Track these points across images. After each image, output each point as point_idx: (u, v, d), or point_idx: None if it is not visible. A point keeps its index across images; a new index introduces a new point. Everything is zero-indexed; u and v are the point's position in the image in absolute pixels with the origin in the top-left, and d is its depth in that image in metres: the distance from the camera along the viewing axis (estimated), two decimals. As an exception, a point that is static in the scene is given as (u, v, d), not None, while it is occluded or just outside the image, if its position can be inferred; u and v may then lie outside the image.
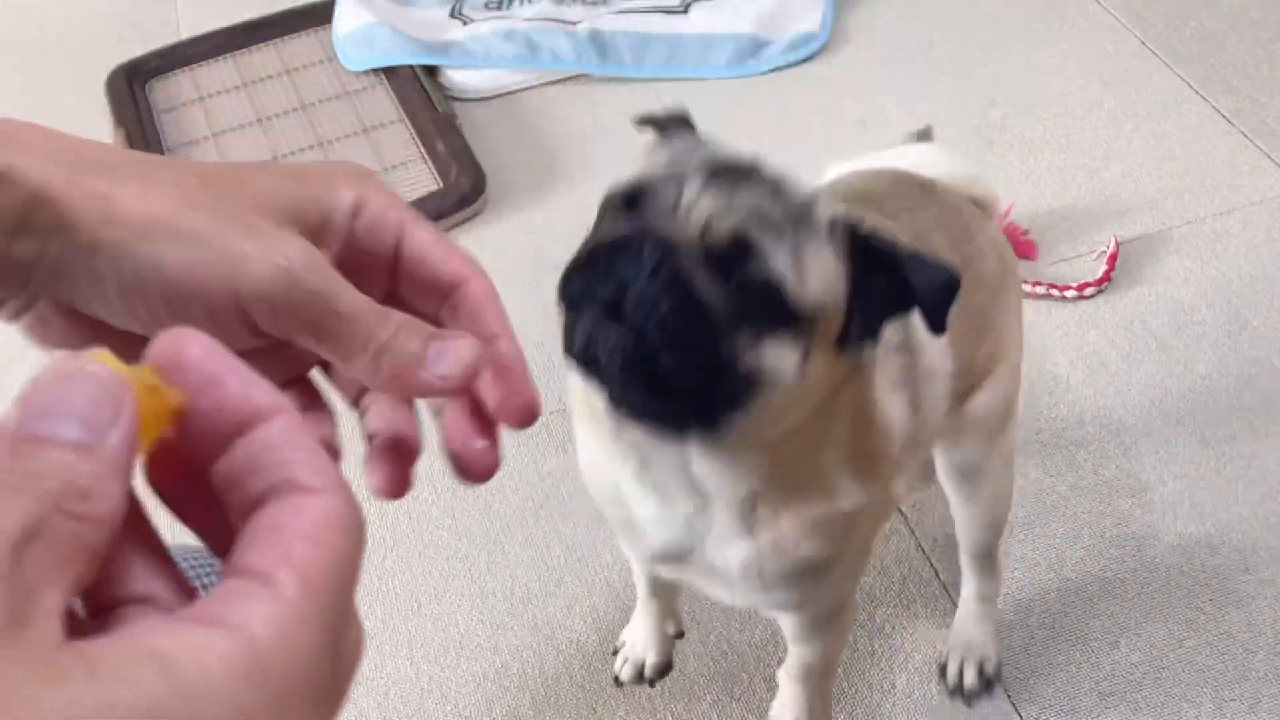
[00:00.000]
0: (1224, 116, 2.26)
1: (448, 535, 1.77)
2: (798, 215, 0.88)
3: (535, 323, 2.20)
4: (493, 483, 1.89)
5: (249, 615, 0.33)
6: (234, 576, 0.34)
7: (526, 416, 0.54)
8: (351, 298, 0.49)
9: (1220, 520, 1.66)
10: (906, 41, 2.54)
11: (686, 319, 0.83)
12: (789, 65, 2.52)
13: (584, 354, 0.87)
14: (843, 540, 1.06)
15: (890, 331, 1.02)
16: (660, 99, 2.49)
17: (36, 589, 0.30)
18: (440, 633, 1.66)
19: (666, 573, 1.16)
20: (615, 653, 1.59)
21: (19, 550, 0.30)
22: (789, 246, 0.86)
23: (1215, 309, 1.93)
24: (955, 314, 1.04)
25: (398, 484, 0.57)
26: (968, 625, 1.55)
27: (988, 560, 1.52)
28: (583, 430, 1.09)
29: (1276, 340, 1.87)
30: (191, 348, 0.35)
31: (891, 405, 1.06)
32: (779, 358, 0.87)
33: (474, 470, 0.54)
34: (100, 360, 0.33)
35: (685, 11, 2.59)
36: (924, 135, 1.60)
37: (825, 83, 2.47)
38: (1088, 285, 1.95)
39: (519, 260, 2.19)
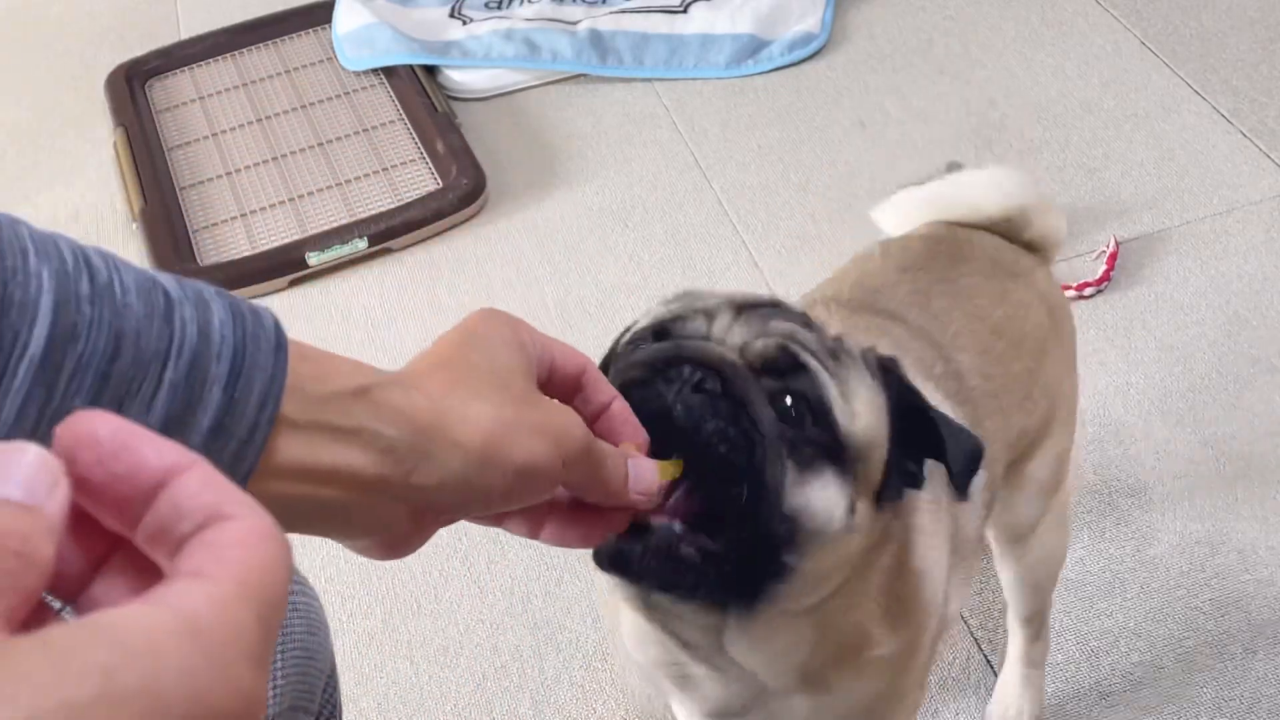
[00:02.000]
0: (1224, 116, 2.26)
1: (448, 535, 1.77)
2: (833, 347, 0.83)
3: (536, 320, 2.19)
4: (492, 482, 1.89)
5: (188, 593, 0.36)
6: (172, 578, 0.37)
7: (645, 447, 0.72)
8: (601, 441, 0.67)
9: (1220, 520, 1.66)
10: (906, 41, 2.54)
11: (736, 434, 0.76)
12: (789, 65, 2.52)
13: (612, 563, 0.78)
14: (900, 674, 1.01)
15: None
16: (660, 99, 2.49)
17: None
18: (440, 633, 1.66)
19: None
20: None
21: None
22: (833, 373, 0.81)
23: (1215, 309, 1.93)
24: (990, 397, 1.02)
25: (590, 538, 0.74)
26: (1011, 691, 1.48)
27: (1037, 622, 1.45)
28: (625, 610, 1.00)
29: (1276, 340, 1.87)
30: (100, 425, 0.39)
31: (930, 549, 0.99)
32: (826, 500, 0.80)
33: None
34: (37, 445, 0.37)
35: (685, 11, 2.59)
36: (955, 166, 1.52)
37: (825, 83, 2.47)
38: (1087, 285, 1.95)
39: (519, 260, 2.19)
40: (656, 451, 0.73)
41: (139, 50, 2.74)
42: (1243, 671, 1.51)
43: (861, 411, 0.82)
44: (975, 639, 1.57)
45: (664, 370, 0.77)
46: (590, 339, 2.02)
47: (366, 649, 1.65)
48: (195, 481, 0.38)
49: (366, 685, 1.61)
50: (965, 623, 1.57)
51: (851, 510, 0.82)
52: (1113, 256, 1.98)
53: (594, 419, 0.71)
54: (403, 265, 2.22)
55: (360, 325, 2.12)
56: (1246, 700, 1.48)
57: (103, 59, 2.76)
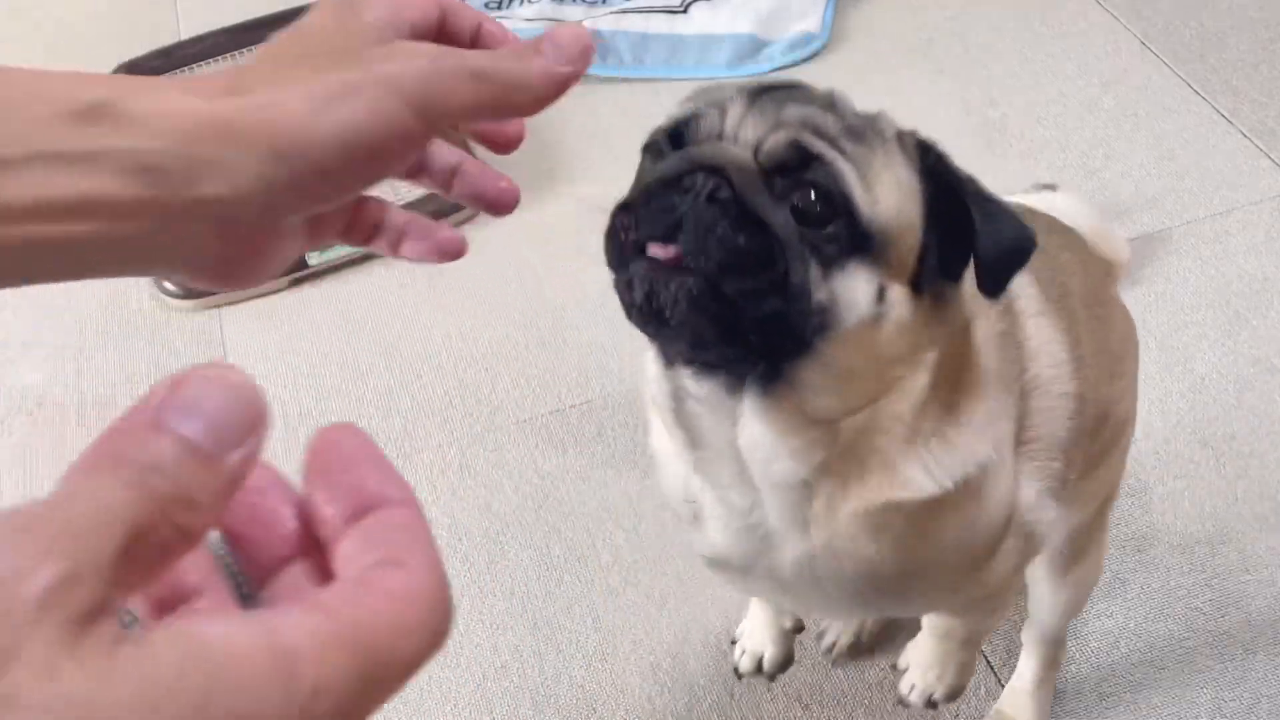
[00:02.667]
0: (1224, 116, 2.26)
1: (448, 535, 1.77)
2: (859, 128, 0.80)
3: (537, 322, 2.22)
4: (492, 482, 1.90)
5: (290, 620, 0.33)
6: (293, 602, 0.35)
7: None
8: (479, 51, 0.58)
9: (1220, 520, 1.66)
10: (906, 41, 2.54)
11: (749, 241, 0.74)
12: (789, 65, 2.51)
13: (646, 306, 0.78)
14: (917, 543, 0.91)
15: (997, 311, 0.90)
16: (660, 99, 2.49)
17: (118, 587, 0.31)
18: (440, 633, 1.66)
19: (733, 586, 1.06)
20: (734, 643, 1.52)
21: (122, 551, 0.31)
22: (852, 157, 0.77)
23: (1215, 309, 1.93)
24: (1088, 339, 0.94)
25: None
26: (1021, 701, 1.45)
27: (1058, 643, 1.44)
28: (656, 420, 0.97)
29: (1276, 340, 1.87)
30: (345, 437, 0.39)
31: (992, 357, 0.90)
32: (852, 290, 0.77)
33: (506, 201, 0.71)
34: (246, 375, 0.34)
35: (685, 11, 2.59)
36: (1049, 188, 1.46)
37: (825, 82, 2.46)
38: (1088, 285, 1.95)
39: (520, 260, 2.19)
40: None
41: (139, 50, 2.73)
42: (1243, 671, 1.51)
43: (885, 196, 0.78)
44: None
45: (677, 182, 0.76)
46: (590, 339, 2.02)
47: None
48: (398, 517, 0.37)
49: (367, 685, 1.61)
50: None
51: (880, 297, 0.79)
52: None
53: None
54: (403, 265, 2.22)
55: (360, 325, 2.12)
56: (1246, 700, 1.48)
57: (103, 59, 2.76)
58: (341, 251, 2.19)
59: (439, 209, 2.25)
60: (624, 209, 0.82)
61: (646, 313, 0.78)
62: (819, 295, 0.77)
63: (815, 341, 0.78)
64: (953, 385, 0.86)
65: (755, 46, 2.53)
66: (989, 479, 0.91)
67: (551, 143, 2.43)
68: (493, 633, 1.65)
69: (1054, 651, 1.45)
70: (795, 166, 0.77)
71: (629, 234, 0.81)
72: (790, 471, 0.85)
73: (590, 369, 1.97)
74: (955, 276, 0.83)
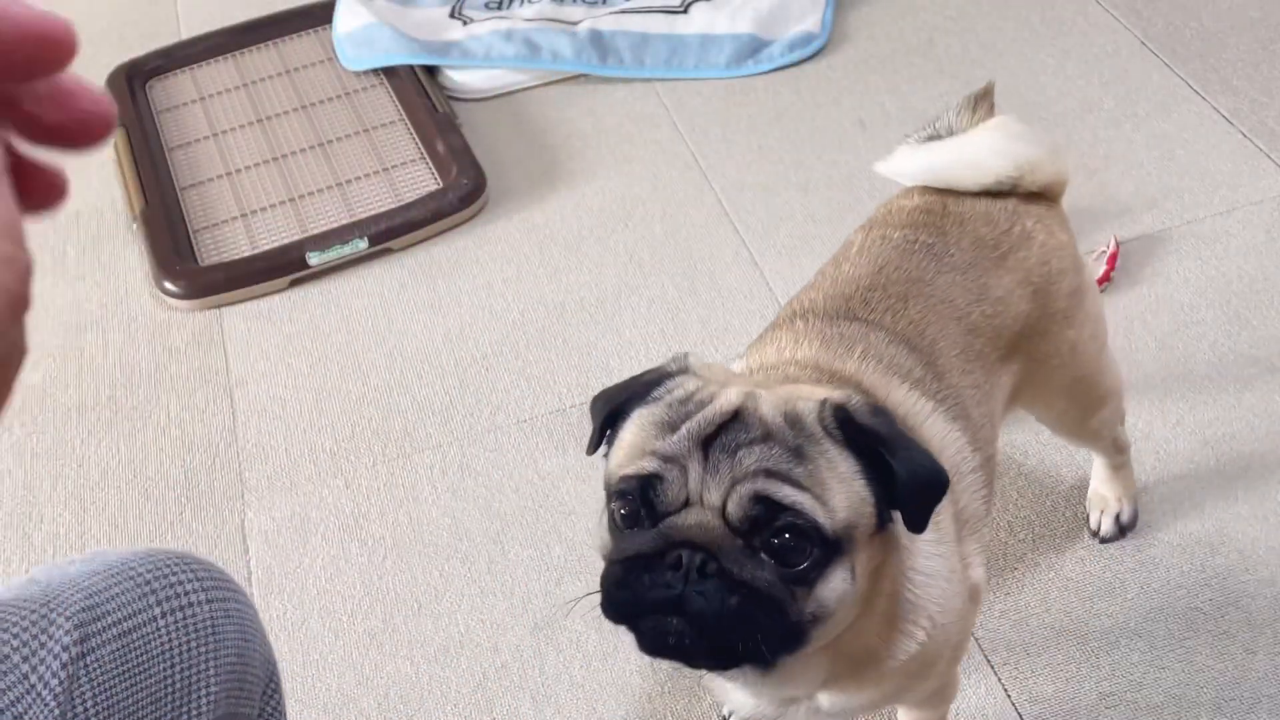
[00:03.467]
0: (1224, 116, 2.26)
1: (448, 535, 1.77)
2: (799, 446, 0.92)
3: (536, 321, 2.22)
4: (493, 482, 1.90)
5: None
6: None
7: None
8: None
9: (1220, 520, 1.66)
10: (906, 41, 2.54)
11: (742, 603, 0.89)
12: (789, 65, 2.52)
13: (659, 651, 0.95)
14: (924, 665, 1.10)
15: None
16: (660, 99, 2.49)
17: None
18: (440, 633, 1.66)
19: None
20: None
21: None
22: (804, 478, 0.90)
23: (1215, 309, 1.93)
24: (971, 393, 1.10)
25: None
26: (1103, 486, 1.65)
27: (1111, 441, 1.57)
28: None
29: (1276, 340, 1.87)
30: None
31: (929, 555, 1.07)
32: (834, 590, 0.92)
33: (103, 121, 0.50)
34: None
35: (685, 11, 2.59)
36: (986, 94, 1.44)
37: (825, 83, 2.47)
38: (1088, 285, 1.95)
39: (520, 260, 2.19)
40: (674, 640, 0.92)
41: (139, 50, 2.74)
42: (1243, 671, 1.51)
43: (839, 501, 0.92)
44: (976, 640, 1.57)
45: (661, 557, 0.91)
46: (590, 339, 2.02)
47: (367, 649, 1.65)
48: None
49: (366, 685, 1.61)
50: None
51: (852, 575, 0.93)
52: (1113, 257, 1.98)
53: None
54: (403, 265, 2.22)
55: (361, 325, 2.12)
56: (1247, 700, 1.48)
57: (103, 59, 2.76)
58: (342, 251, 2.20)
59: (440, 208, 2.25)
60: (618, 582, 0.95)
61: (663, 653, 0.96)
62: (809, 609, 0.92)
63: (808, 638, 0.94)
64: (884, 574, 1.02)
65: (755, 46, 2.53)
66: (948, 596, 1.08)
67: (551, 143, 2.43)
68: (493, 633, 1.65)
69: (1112, 445, 1.59)
70: (765, 519, 0.90)
71: (625, 593, 0.94)
72: (797, 688, 1.06)
73: (590, 369, 1.97)
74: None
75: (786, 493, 0.90)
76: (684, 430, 0.94)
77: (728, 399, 0.95)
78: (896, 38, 2.55)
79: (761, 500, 0.90)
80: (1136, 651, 1.54)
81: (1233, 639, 1.54)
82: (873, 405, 0.98)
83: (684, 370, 1.01)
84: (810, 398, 0.97)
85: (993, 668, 1.54)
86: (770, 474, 0.90)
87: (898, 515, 0.97)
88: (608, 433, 1.01)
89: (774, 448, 0.91)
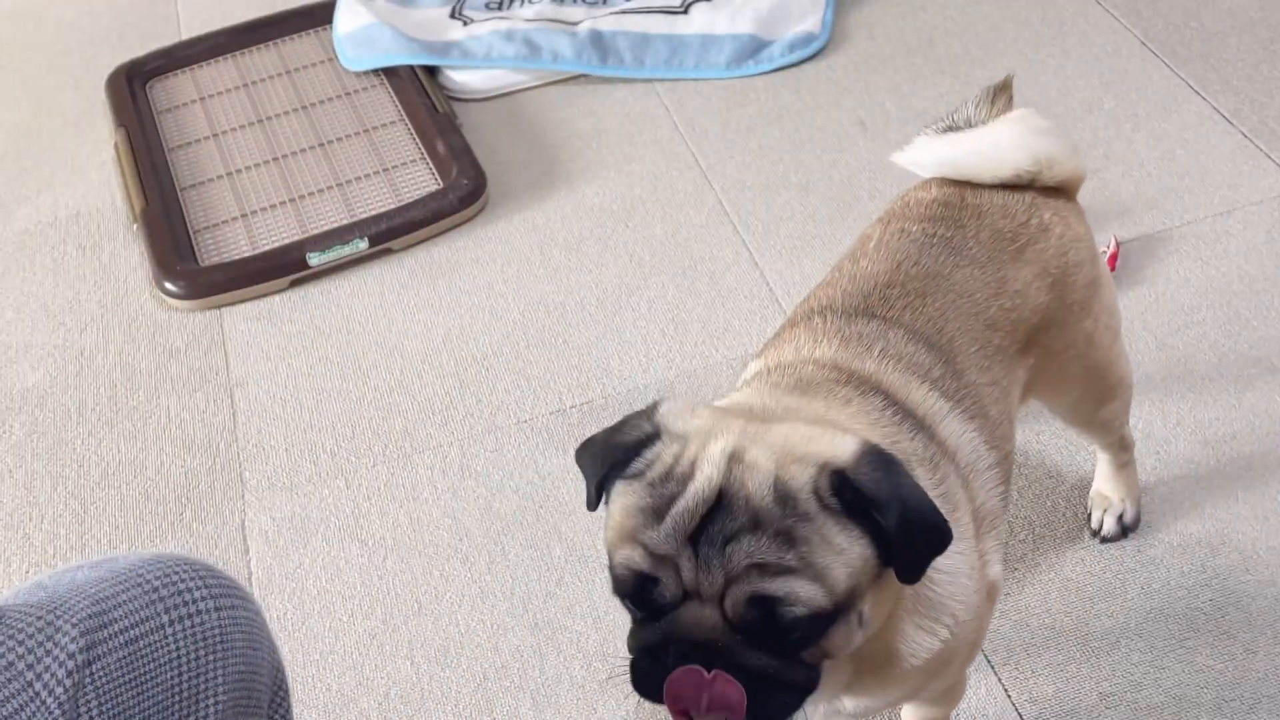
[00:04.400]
0: (1224, 116, 2.26)
1: (448, 535, 1.77)
2: (789, 529, 0.91)
3: (535, 320, 2.22)
4: (493, 482, 1.90)
5: None
6: None
7: None
8: None
9: (1220, 520, 1.66)
10: (906, 41, 2.54)
11: (758, 689, 0.92)
12: (789, 65, 2.52)
13: None
14: (943, 663, 1.10)
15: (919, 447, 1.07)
16: (661, 99, 2.49)
17: None
18: (440, 633, 1.66)
19: None
20: None
21: None
22: (797, 562, 0.90)
23: (1215, 309, 1.93)
24: (988, 390, 1.12)
25: None
26: (1106, 484, 1.64)
27: (1118, 439, 1.57)
28: None
29: (1276, 340, 1.87)
30: None
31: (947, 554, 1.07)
32: (839, 643, 0.95)
33: None
34: None
35: (686, 12, 2.59)
36: (1005, 86, 1.44)
37: (825, 83, 2.47)
38: (1088, 285, 1.95)
39: (520, 260, 2.19)
40: None
41: (139, 50, 2.74)
42: (1243, 671, 1.51)
43: (837, 572, 0.91)
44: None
45: (666, 650, 0.93)
46: (590, 339, 2.02)
47: (367, 649, 1.65)
48: None
49: (367, 685, 1.61)
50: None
51: (860, 621, 0.95)
52: (1113, 257, 1.98)
53: None
54: (403, 265, 2.22)
55: (361, 325, 2.12)
56: (1247, 700, 1.48)
57: (103, 59, 2.76)
58: (342, 251, 2.20)
59: (440, 209, 2.25)
60: (635, 653, 0.97)
61: None
62: (818, 657, 0.95)
63: (822, 677, 0.97)
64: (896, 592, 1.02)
65: (755, 46, 2.53)
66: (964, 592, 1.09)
67: (551, 143, 2.43)
68: (493, 633, 1.65)
69: (1117, 441, 1.58)
70: (763, 616, 0.91)
71: (651, 682, 0.95)
72: (826, 691, 1.04)
73: (590, 369, 1.97)
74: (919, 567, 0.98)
75: (779, 585, 0.90)
76: (669, 524, 0.92)
77: (708, 478, 0.92)
78: (896, 38, 2.55)
79: (758, 601, 0.90)
80: (1136, 651, 1.54)
81: (1233, 639, 1.54)
82: (879, 456, 0.94)
83: (657, 433, 0.98)
84: (808, 458, 0.93)
85: (993, 668, 1.54)
86: (763, 569, 0.90)
87: None
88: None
89: (762, 538, 0.90)
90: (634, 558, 0.94)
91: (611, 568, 0.97)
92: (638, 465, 0.96)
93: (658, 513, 0.93)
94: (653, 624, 0.95)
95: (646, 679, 0.95)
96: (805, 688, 0.96)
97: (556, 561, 1.72)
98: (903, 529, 0.92)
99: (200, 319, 2.17)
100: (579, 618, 1.65)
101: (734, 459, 0.93)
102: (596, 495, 1.00)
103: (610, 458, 0.98)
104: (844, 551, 0.92)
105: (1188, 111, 2.28)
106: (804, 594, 0.90)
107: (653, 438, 0.97)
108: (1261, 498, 1.68)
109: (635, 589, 0.94)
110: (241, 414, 2.00)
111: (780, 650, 0.93)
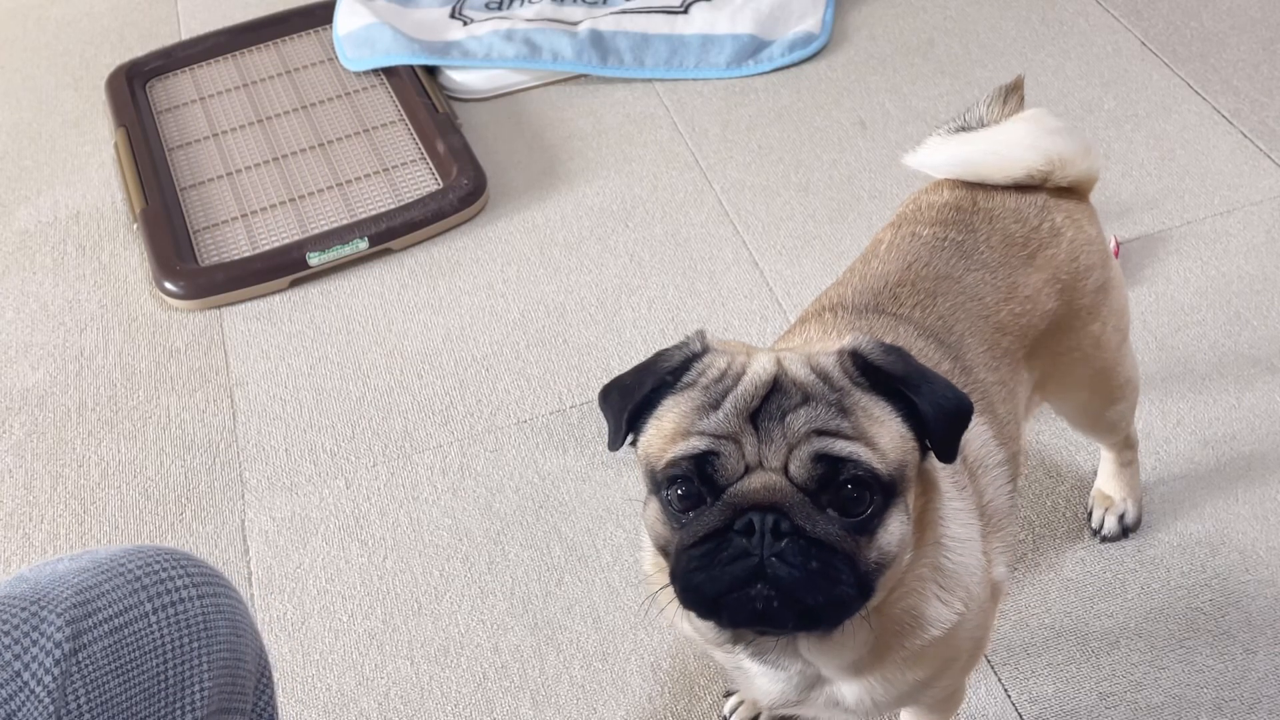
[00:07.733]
0: (1224, 116, 2.26)
1: (448, 535, 1.77)
2: (838, 401, 0.94)
3: (535, 320, 2.22)
4: (493, 482, 1.90)
5: None
6: None
7: None
8: None
9: (1220, 520, 1.66)
10: (906, 41, 2.54)
11: (820, 564, 0.91)
12: (789, 65, 2.52)
13: (748, 621, 0.96)
14: (947, 660, 1.11)
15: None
16: (661, 99, 2.49)
17: None
18: (440, 633, 1.66)
19: (783, 711, 1.21)
20: (726, 695, 1.54)
21: None
22: (852, 430, 0.92)
23: (1215, 309, 1.93)
24: (997, 388, 1.10)
25: None
26: (1109, 483, 1.65)
27: (1121, 440, 1.58)
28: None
29: (1276, 340, 1.87)
30: None
31: (961, 522, 1.08)
32: (893, 535, 0.95)
33: None
34: None
35: (686, 12, 2.59)
36: (1016, 86, 1.45)
37: (825, 83, 2.47)
38: (1088, 285, 1.95)
39: (520, 260, 2.19)
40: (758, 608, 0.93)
41: (139, 50, 2.74)
42: (1243, 671, 1.51)
43: (886, 443, 0.93)
44: (975, 639, 1.58)
45: (731, 524, 0.92)
46: (590, 339, 2.02)
47: (367, 649, 1.65)
48: None
49: (367, 685, 1.61)
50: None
51: (908, 515, 0.96)
52: (1113, 256, 1.98)
53: None
54: (403, 265, 2.22)
55: (361, 325, 2.12)
56: (1247, 700, 1.48)
57: (103, 59, 2.76)
58: (342, 251, 2.20)
59: (440, 209, 2.25)
60: (687, 550, 0.95)
61: (751, 623, 0.96)
62: (873, 557, 0.94)
63: (875, 587, 0.96)
64: (927, 522, 1.03)
65: (756, 46, 2.53)
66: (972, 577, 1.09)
67: (551, 143, 2.43)
68: (493, 633, 1.65)
69: (1122, 441, 1.59)
70: (828, 475, 0.91)
71: (703, 576, 0.94)
72: (849, 657, 1.05)
73: (590, 369, 1.98)
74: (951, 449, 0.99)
75: (841, 446, 0.92)
76: (728, 406, 0.94)
77: (762, 368, 0.96)
78: (896, 38, 2.55)
79: (822, 459, 0.91)
80: (1136, 651, 1.54)
81: (1233, 639, 1.54)
82: (884, 345, 0.99)
83: (707, 349, 1.01)
84: (826, 351, 0.99)
85: (993, 668, 1.54)
86: (822, 433, 0.92)
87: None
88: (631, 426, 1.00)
89: (818, 407, 0.93)
90: (694, 444, 0.94)
91: (663, 468, 0.95)
92: (689, 377, 0.98)
93: (713, 404, 0.95)
94: (709, 509, 0.94)
95: (700, 572, 0.93)
96: (864, 581, 0.94)
97: (556, 561, 1.72)
98: (929, 399, 0.95)
99: (200, 319, 2.17)
100: (579, 618, 1.65)
101: (779, 362, 0.97)
102: (627, 428, 1.00)
103: (655, 379, 0.99)
104: (886, 423, 0.95)
105: (1187, 111, 2.28)
106: (864, 455, 0.92)
107: (699, 355, 1.00)
108: (1261, 498, 1.68)
109: (696, 468, 0.94)
110: (241, 414, 2.00)
111: (842, 525, 0.93)
